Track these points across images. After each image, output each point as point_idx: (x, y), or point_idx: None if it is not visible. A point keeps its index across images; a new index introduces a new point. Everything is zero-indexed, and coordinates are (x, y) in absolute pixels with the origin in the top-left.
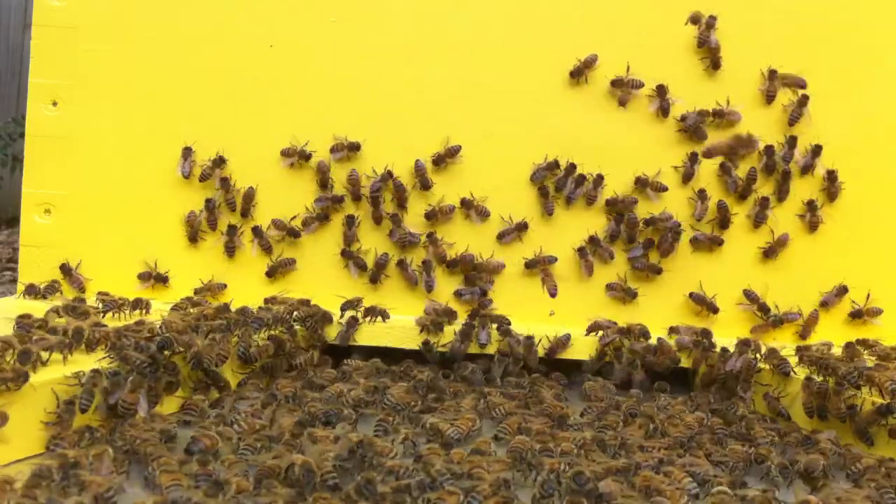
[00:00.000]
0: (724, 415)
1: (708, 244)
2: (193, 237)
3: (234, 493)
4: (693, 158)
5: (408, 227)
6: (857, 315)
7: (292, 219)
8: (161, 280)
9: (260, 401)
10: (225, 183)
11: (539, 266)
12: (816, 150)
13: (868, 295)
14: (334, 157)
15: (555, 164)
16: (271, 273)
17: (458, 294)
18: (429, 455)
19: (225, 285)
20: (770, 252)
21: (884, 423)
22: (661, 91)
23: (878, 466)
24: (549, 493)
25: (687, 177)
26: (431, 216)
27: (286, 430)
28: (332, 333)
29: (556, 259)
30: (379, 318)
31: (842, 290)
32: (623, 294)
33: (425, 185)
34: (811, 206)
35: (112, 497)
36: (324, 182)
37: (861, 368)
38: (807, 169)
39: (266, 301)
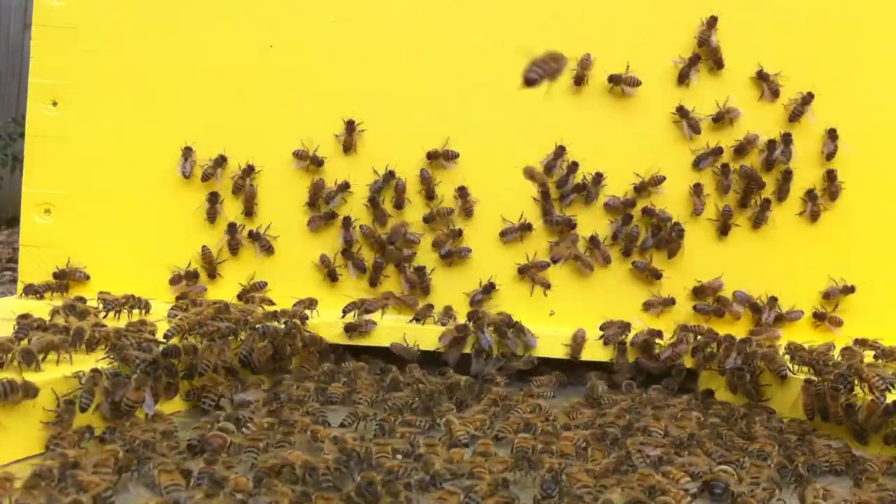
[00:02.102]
0: (724, 416)
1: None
2: (212, 273)
3: (233, 490)
4: (716, 151)
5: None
6: (820, 317)
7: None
8: (193, 276)
9: (262, 400)
10: (249, 171)
11: (531, 271)
12: (832, 134)
13: (836, 305)
14: (295, 166)
15: (561, 150)
16: (242, 297)
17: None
18: (429, 455)
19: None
20: (699, 292)
21: (890, 422)
22: (694, 58)
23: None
24: (549, 494)
25: (697, 162)
26: (430, 219)
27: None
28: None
29: (548, 264)
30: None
31: (847, 290)
32: (648, 273)
33: (430, 195)
34: (811, 195)
35: (110, 497)
36: (313, 200)
37: (851, 366)
38: (832, 155)
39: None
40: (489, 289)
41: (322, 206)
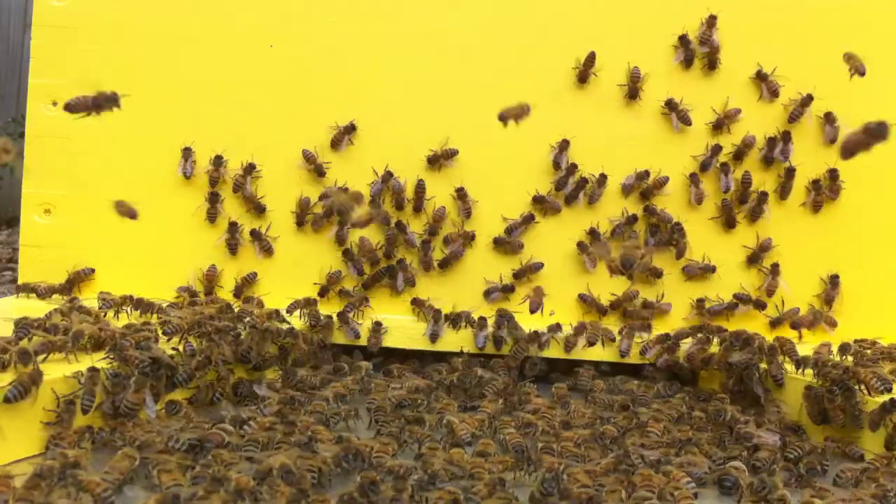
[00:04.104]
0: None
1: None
2: (209, 293)
3: (235, 489)
4: (715, 150)
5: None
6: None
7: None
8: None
9: (274, 399)
10: (251, 168)
11: (526, 275)
12: (830, 118)
13: (831, 306)
14: (340, 149)
15: (566, 143)
16: (238, 294)
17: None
18: (428, 455)
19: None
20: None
21: (890, 420)
22: (684, 40)
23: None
24: (549, 492)
25: (704, 167)
26: (434, 232)
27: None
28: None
29: (542, 265)
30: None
31: (834, 281)
32: (649, 273)
33: (418, 207)
34: (816, 186)
35: (110, 497)
36: (300, 220)
37: (848, 368)
38: (834, 139)
39: (244, 302)
40: (508, 289)
41: (317, 207)
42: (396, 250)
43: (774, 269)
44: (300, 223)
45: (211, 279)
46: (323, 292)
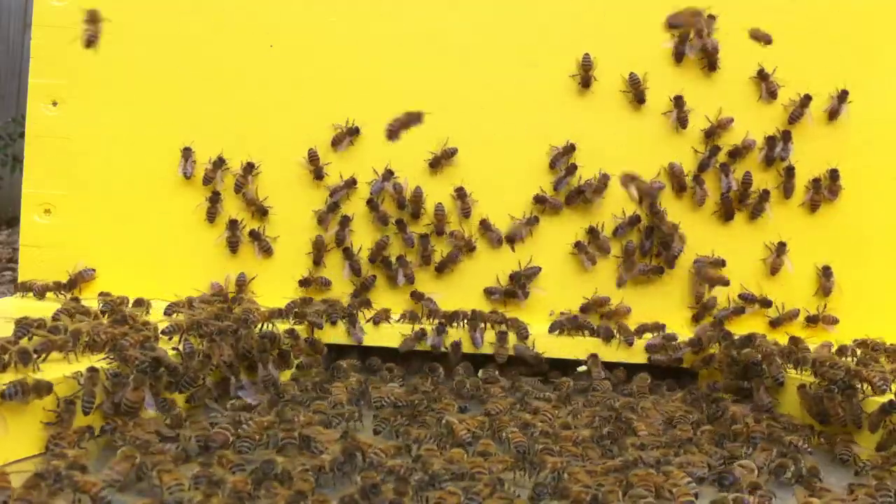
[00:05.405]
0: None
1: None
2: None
3: (232, 491)
4: (713, 151)
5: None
6: (813, 320)
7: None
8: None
9: (266, 401)
10: (250, 168)
11: (523, 278)
12: (843, 96)
13: (825, 305)
14: (340, 149)
15: (571, 148)
16: (237, 300)
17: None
18: (427, 455)
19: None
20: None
21: (889, 421)
22: (681, 38)
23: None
24: (540, 497)
25: (702, 167)
26: (441, 232)
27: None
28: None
29: (539, 269)
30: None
31: (827, 272)
32: (650, 273)
33: (416, 214)
34: (815, 185)
35: (106, 497)
36: (317, 260)
37: (849, 368)
38: (834, 115)
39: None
40: (510, 294)
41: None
42: (386, 253)
43: (780, 249)
44: (317, 262)
45: (219, 292)
46: (305, 283)
